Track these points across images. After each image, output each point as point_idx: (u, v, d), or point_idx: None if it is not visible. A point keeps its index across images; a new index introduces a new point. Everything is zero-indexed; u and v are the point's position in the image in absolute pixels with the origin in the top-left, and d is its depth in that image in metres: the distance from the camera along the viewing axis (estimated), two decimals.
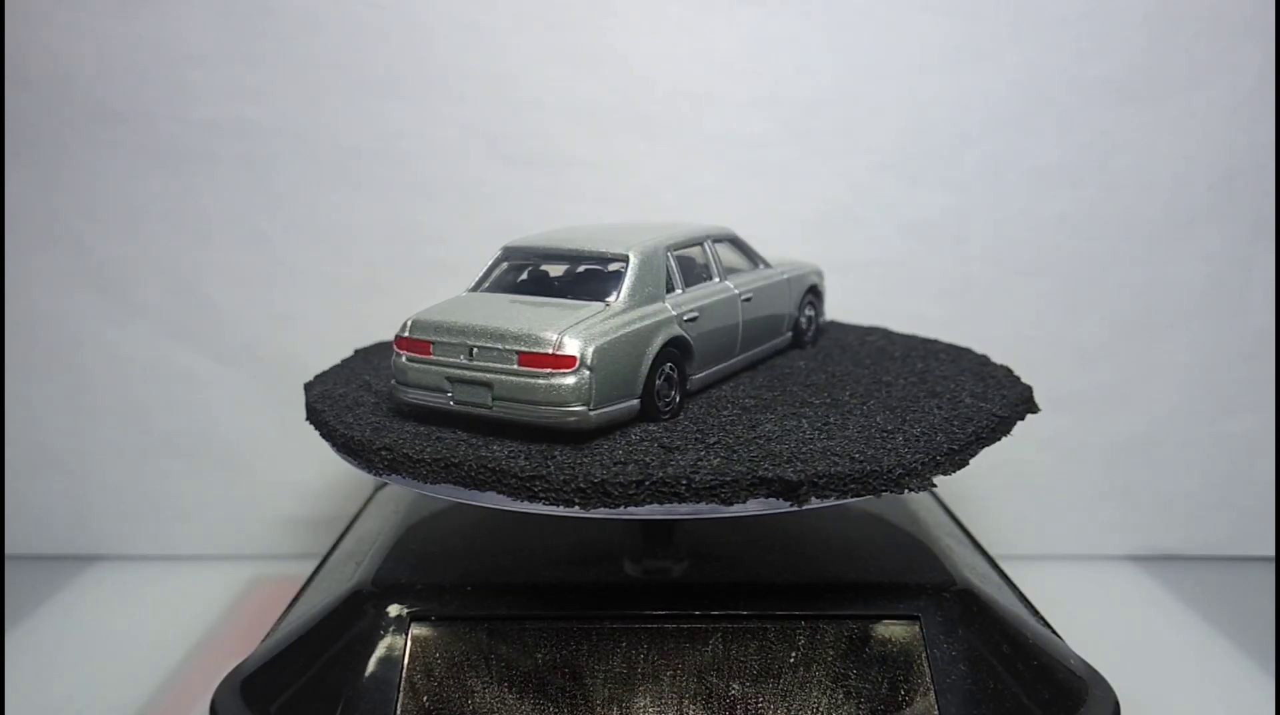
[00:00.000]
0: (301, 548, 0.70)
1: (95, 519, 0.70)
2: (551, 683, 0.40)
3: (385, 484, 0.61)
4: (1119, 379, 0.68)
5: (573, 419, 0.37)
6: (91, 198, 0.65)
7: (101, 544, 0.70)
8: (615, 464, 0.36)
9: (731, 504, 0.35)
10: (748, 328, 0.48)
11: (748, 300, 0.48)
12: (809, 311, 0.54)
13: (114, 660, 0.56)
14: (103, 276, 0.66)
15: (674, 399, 0.42)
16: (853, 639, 0.41)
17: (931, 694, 0.39)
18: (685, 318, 0.43)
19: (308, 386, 0.48)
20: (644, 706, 0.39)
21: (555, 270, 0.46)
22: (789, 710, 0.39)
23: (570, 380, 0.37)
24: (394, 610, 0.42)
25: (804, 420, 0.40)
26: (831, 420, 0.40)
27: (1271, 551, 0.70)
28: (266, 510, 0.70)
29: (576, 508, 0.35)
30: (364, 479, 0.67)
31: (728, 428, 0.40)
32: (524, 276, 0.45)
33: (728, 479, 0.35)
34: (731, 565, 0.45)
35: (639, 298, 0.42)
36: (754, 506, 0.35)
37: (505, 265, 0.46)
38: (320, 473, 0.69)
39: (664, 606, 0.41)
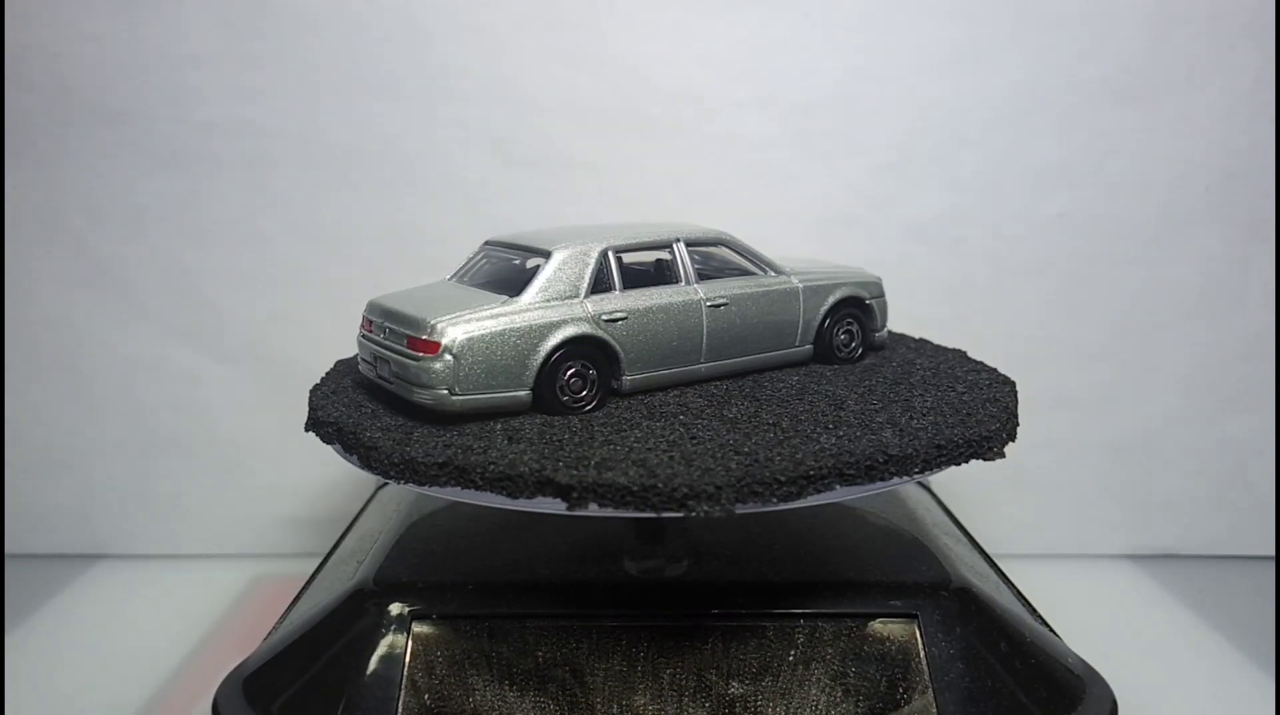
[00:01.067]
0: (303, 547, 0.70)
1: (97, 518, 0.70)
2: (552, 681, 0.40)
3: (386, 483, 0.61)
4: (1117, 379, 0.68)
5: (434, 401, 0.40)
6: (92, 198, 0.65)
7: (103, 543, 0.71)
8: (441, 446, 0.38)
9: (517, 497, 0.36)
10: (720, 335, 0.46)
11: (719, 306, 0.46)
12: (848, 324, 0.51)
13: (116, 659, 0.56)
14: (104, 276, 0.66)
15: (587, 397, 0.42)
16: (851, 637, 0.41)
17: (930, 692, 0.39)
18: (606, 318, 0.43)
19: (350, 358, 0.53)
20: (644, 704, 0.39)
21: (529, 264, 0.47)
22: (788, 708, 0.39)
23: (436, 365, 0.40)
24: (395, 609, 0.42)
25: (684, 430, 0.39)
26: (704, 436, 0.38)
27: (1269, 551, 0.70)
28: (268, 509, 0.70)
29: (393, 480, 0.38)
30: (365, 478, 0.67)
31: (598, 428, 0.40)
32: (492, 269, 0.47)
33: (515, 473, 0.36)
34: (731, 564, 0.45)
35: (548, 294, 0.43)
36: (542, 504, 0.36)
37: (481, 257, 0.48)
38: (321, 472, 0.69)
39: (664, 605, 0.42)
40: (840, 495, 0.37)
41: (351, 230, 0.66)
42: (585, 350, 0.42)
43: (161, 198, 0.65)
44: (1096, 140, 0.65)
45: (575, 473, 0.35)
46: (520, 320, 0.41)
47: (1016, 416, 0.43)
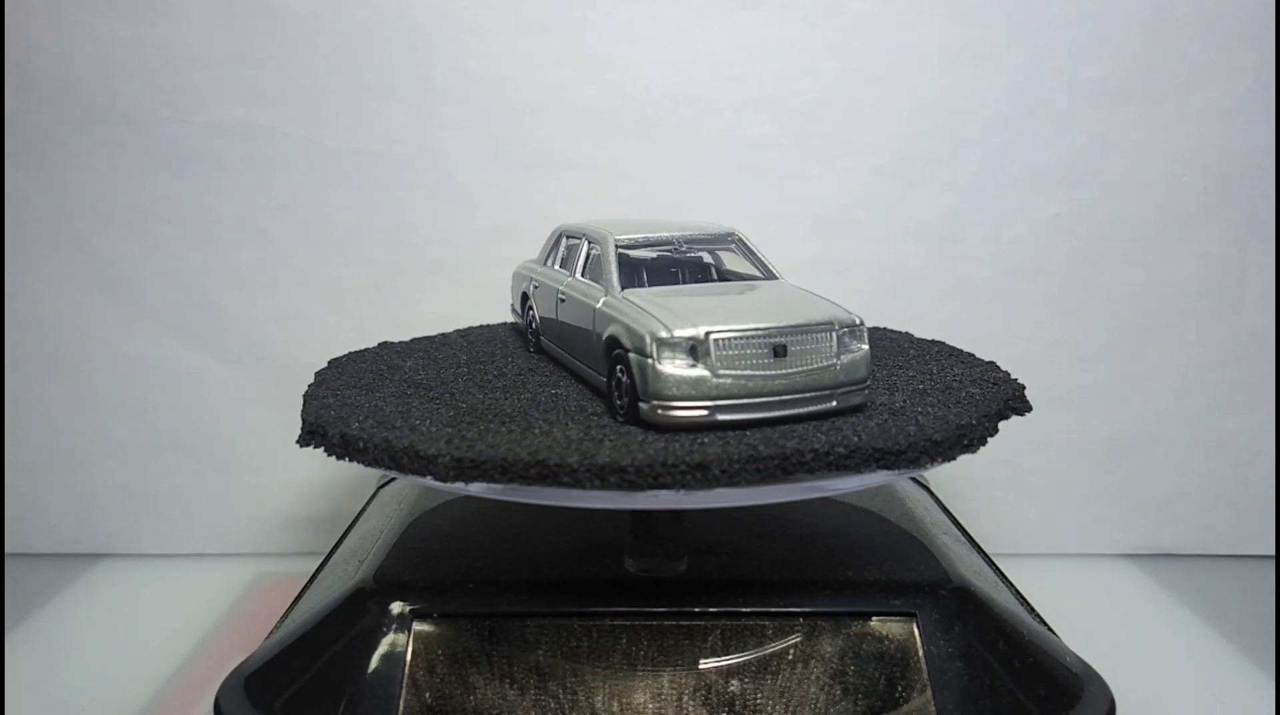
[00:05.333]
0: (305, 545, 0.70)
1: (100, 517, 0.70)
2: (552, 679, 0.40)
3: (387, 482, 0.62)
4: (1115, 378, 0.68)
5: None
6: (96, 199, 0.65)
7: (106, 542, 0.71)
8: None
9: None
10: (566, 328, 0.48)
11: (563, 301, 0.48)
12: (619, 371, 0.40)
13: (118, 657, 0.56)
14: (107, 277, 0.67)
15: (532, 339, 0.54)
16: (850, 636, 0.41)
17: (928, 691, 0.40)
18: (534, 284, 0.53)
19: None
20: (644, 702, 0.40)
21: None
22: (787, 706, 0.39)
23: None
24: (396, 607, 0.42)
25: (421, 404, 0.43)
26: (412, 407, 0.43)
27: (1268, 550, 0.70)
28: (270, 508, 0.70)
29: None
30: (367, 477, 0.68)
31: (449, 375, 0.48)
32: None
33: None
34: (730, 562, 0.45)
35: (539, 259, 0.56)
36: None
37: None
38: (323, 471, 0.69)
39: (664, 603, 0.42)
40: None
41: (352, 230, 0.66)
42: (531, 304, 0.54)
43: (164, 198, 0.66)
44: (1095, 141, 0.65)
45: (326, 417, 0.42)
46: (524, 271, 0.56)
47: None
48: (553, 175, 0.66)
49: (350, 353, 0.54)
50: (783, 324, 0.39)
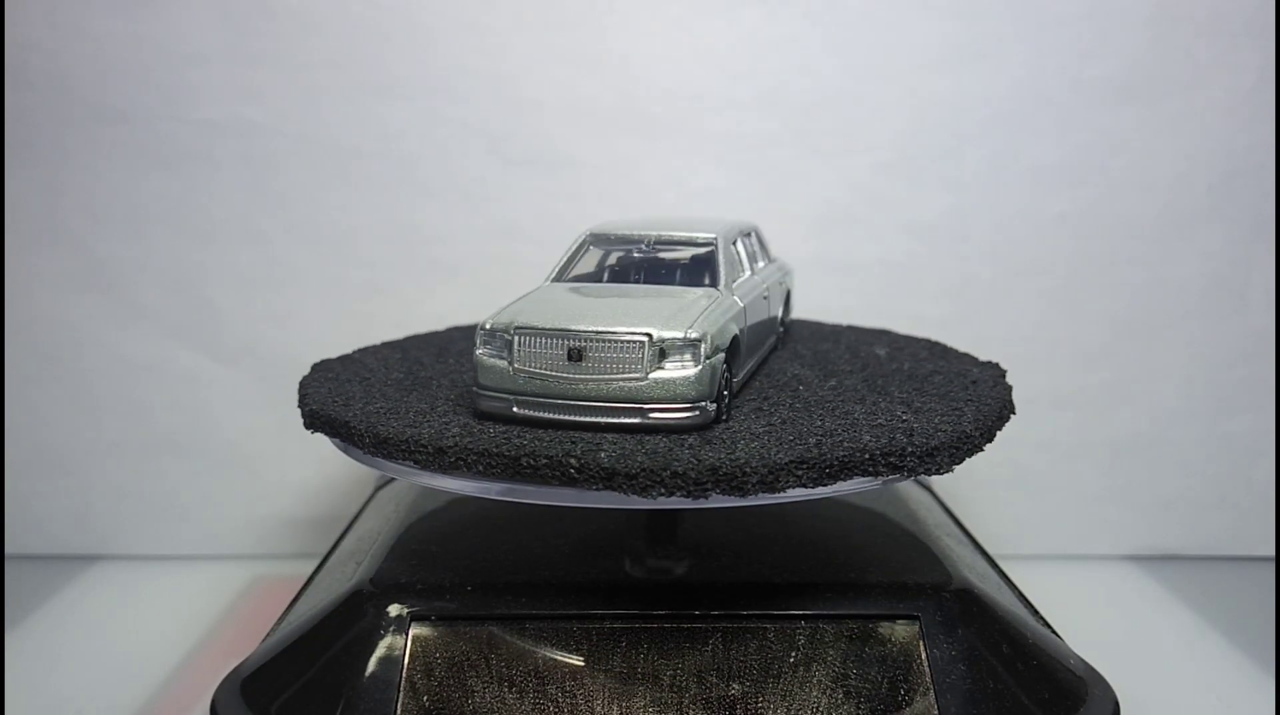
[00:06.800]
0: (302, 547, 0.70)
1: (96, 519, 0.70)
2: (551, 682, 0.40)
3: (385, 484, 0.61)
4: (1118, 378, 0.68)
5: None
6: (92, 198, 0.65)
7: (102, 544, 0.70)
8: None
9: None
10: None
11: None
12: None
13: (114, 660, 0.56)
14: (103, 277, 0.66)
15: None
16: (852, 639, 0.41)
17: (931, 693, 0.39)
18: None
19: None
20: (644, 706, 0.39)
21: None
22: (789, 710, 0.39)
23: None
24: (394, 610, 0.42)
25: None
26: (380, 379, 0.47)
27: (1271, 551, 0.70)
28: (267, 510, 0.70)
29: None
30: (364, 479, 0.67)
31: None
32: None
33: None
34: (732, 565, 0.45)
35: None
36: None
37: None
38: (320, 472, 0.69)
39: (664, 606, 0.42)
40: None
41: (351, 230, 0.66)
42: None
43: (161, 197, 0.65)
44: (1098, 139, 0.65)
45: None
46: None
47: None
48: (553, 173, 0.65)
49: (459, 326, 0.59)
50: (581, 328, 0.39)
